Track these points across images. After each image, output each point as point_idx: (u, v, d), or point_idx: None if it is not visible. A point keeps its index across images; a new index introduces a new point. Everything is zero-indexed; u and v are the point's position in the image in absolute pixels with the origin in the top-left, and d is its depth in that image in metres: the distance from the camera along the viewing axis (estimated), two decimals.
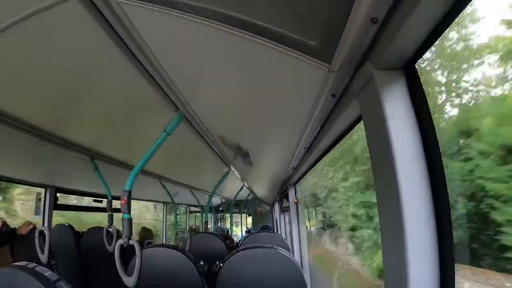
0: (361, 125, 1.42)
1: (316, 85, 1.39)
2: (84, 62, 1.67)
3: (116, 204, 4.11)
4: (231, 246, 3.94)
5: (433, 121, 1.04)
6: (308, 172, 3.94)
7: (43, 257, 3.26)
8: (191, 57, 1.56)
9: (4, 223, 3.60)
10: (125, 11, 1.25)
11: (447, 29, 0.89)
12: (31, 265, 1.49)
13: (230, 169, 4.63)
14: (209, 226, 6.74)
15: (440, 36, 0.92)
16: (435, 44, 0.96)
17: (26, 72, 1.74)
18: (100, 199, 5.26)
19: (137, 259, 2.12)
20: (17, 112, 2.25)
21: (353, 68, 1.20)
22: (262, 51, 1.25)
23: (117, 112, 2.40)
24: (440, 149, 1.02)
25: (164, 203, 8.32)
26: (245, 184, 6.71)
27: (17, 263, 1.52)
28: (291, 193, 4.80)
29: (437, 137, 1.03)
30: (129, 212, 2.18)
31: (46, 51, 1.54)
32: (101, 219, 5.39)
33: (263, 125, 2.45)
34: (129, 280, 2.16)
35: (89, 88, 1.98)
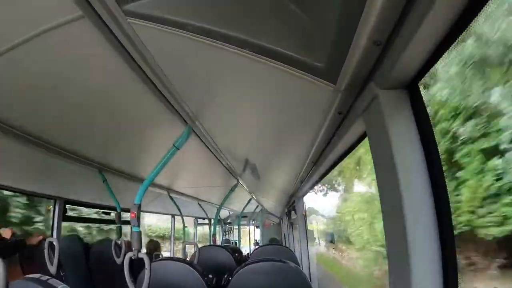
0: (366, 141, 1.44)
1: (323, 104, 1.42)
2: (95, 78, 1.71)
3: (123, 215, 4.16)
4: (239, 259, 3.93)
5: (435, 137, 1.06)
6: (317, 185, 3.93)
7: (52, 269, 3.28)
8: (200, 75, 1.59)
9: (13, 233, 3.64)
10: (136, 30, 1.30)
11: (448, 49, 0.92)
12: (44, 277, 1.51)
13: (238, 182, 4.64)
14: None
15: (441, 56, 0.95)
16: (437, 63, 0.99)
17: (37, 87, 1.78)
18: (109, 211, 5.29)
19: (146, 272, 2.14)
20: (27, 126, 2.29)
21: (358, 88, 1.23)
22: (270, 71, 1.28)
23: (126, 126, 2.44)
24: (441, 165, 1.04)
25: (172, 215, 8.32)
26: (253, 196, 6.70)
27: (30, 276, 1.55)
28: (299, 206, 4.79)
29: (439, 153, 1.05)
30: (138, 225, 2.21)
31: (58, 67, 1.59)
32: None
33: (271, 140, 2.48)
34: None
35: (100, 103, 2.02)
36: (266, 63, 1.23)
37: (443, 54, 0.94)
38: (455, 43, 0.89)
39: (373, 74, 1.11)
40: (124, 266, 2.20)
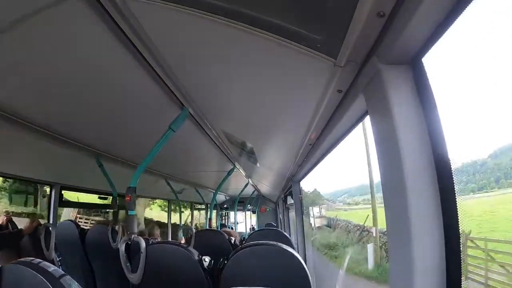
0: (367, 120, 1.41)
1: (322, 80, 1.38)
2: (90, 60, 1.67)
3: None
4: (235, 242, 3.94)
5: (440, 116, 1.03)
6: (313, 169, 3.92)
7: (48, 253, 3.28)
8: (197, 53, 1.55)
9: (10, 219, 3.62)
10: (130, 8, 1.25)
11: (454, 23, 0.88)
12: (36, 261, 1.49)
13: (235, 166, 4.64)
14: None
15: (447, 30, 0.91)
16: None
17: (32, 70, 1.74)
18: (105, 196, 5.30)
19: (142, 256, 2.13)
20: (23, 110, 2.26)
21: (360, 63, 1.19)
22: (267, 46, 1.24)
23: (122, 109, 2.41)
24: (446, 143, 1.01)
25: (169, 200, 8.34)
26: (250, 181, 6.71)
27: (22, 259, 1.52)
28: (295, 190, 4.81)
29: (443, 131, 1.02)
30: (134, 209, 2.19)
31: (53, 48, 1.55)
32: None
33: (268, 122, 2.45)
34: (134, 277, 2.17)
35: (95, 86, 1.98)
36: (264, 36, 1.18)
37: (450, 26, 0.90)
38: (462, 15, 0.85)
39: (375, 48, 1.07)
40: (120, 250, 2.20)
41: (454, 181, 0.99)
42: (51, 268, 1.44)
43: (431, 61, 1.04)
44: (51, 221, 4.14)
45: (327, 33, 1.09)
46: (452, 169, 0.99)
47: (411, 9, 0.83)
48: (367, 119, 1.40)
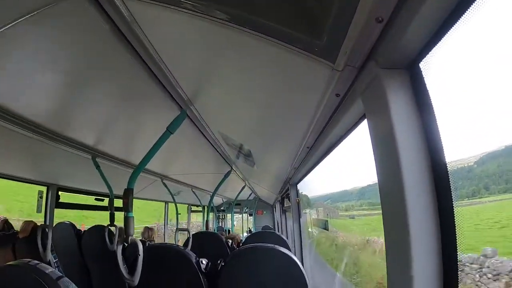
0: (364, 124, 1.41)
1: (320, 84, 1.39)
2: (89, 60, 1.67)
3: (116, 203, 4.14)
4: (232, 245, 3.93)
5: (437, 119, 1.03)
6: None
7: (45, 255, 3.27)
8: (196, 55, 1.56)
9: (6, 221, 3.61)
10: (130, 8, 1.26)
11: (452, 29, 0.89)
12: (33, 262, 1.48)
13: (232, 168, 4.64)
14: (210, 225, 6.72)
15: (444, 36, 0.92)
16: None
17: (29, 69, 1.74)
18: (102, 197, 5.29)
19: (139, 258, 2.12)
20: (20, 110, 2.26)
21: (358, 67, 1.19)
22: (266, 49, 1.25)
23: (120, 111, 2.41)
24: (443, 147, 1.02)
25: (165, 202, 8.32)
26: (247, 184, 6.71)
27: (19, 261, 1.51)
28: (292, 193, 4.81)
29: (441, 135, 1.02)
30: (131, 211, 2.19)
31: (50, 48, 1.55)
32: None
33: (266, 125, 2.45)
34: (131, 279, 2.17)
35: (92, 87, 1.98)
36: (263, 40, 1.19)
37: (447, 33, 0.91)
38: (459, 21, 0.86)
39: (373, 53, 1.08)
40: (117, 251, 2.19)
41: (451, 185, 0.99)
42: (49, 269, 1.44)
43: (428, 66, 1.05)
44: (47, 222, 4.14)
45: (326, 38, 1.09)
46: (449, 172, 1.00)
47: (409, 15, 0.84)
48: (364, 122, 1.41)
